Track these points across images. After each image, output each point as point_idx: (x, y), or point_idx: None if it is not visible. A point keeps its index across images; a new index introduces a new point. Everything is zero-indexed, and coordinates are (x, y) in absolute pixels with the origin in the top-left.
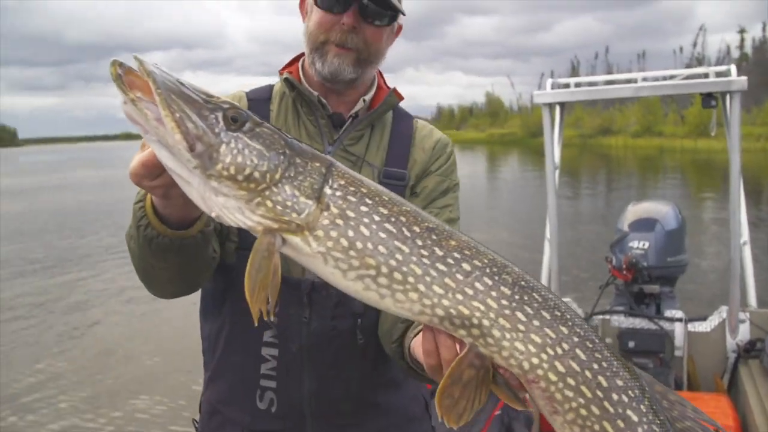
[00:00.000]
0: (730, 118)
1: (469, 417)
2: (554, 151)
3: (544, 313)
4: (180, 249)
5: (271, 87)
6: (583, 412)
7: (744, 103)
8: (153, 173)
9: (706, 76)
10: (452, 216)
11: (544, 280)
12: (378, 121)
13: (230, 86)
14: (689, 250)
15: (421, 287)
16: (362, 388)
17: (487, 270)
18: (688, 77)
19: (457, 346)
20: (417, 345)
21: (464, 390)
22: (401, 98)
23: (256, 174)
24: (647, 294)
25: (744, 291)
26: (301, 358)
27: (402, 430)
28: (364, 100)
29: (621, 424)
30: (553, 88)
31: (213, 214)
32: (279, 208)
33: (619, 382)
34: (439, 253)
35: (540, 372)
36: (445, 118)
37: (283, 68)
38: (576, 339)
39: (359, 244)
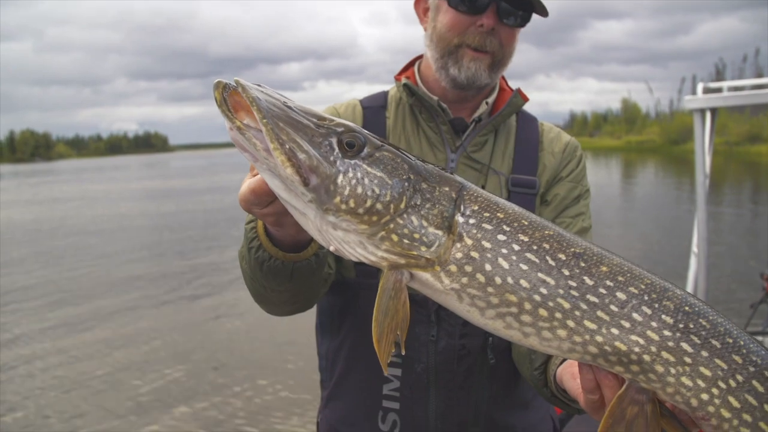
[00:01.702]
0: None
1: None
2: (705, 160)
3: (714, 342)
4: (294, 272)
5: (386, 93)
6: None
7: None
8: (264, 201)
9: None
10: (585, 225)
11: None
12: (502, 126)
13: (362, 94)
14: None
15: (571, 323)
16: (491, 409)
17: (645, 297)
18: None
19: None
20: (567, 375)
21: (629, 429)
22: (526, 99)
23: (379, 205)
24: None
25: None
26: (426, 379)
27: None
28: (486, 103)
29: None
30: (704, 92)
31: (332, 249)
32: (406, 241)
33: None
34: (589, 282)
35: (711, 409)
36: (578, 124)
37: (399, 74)
38: (752, 369)
39: (498, 279)
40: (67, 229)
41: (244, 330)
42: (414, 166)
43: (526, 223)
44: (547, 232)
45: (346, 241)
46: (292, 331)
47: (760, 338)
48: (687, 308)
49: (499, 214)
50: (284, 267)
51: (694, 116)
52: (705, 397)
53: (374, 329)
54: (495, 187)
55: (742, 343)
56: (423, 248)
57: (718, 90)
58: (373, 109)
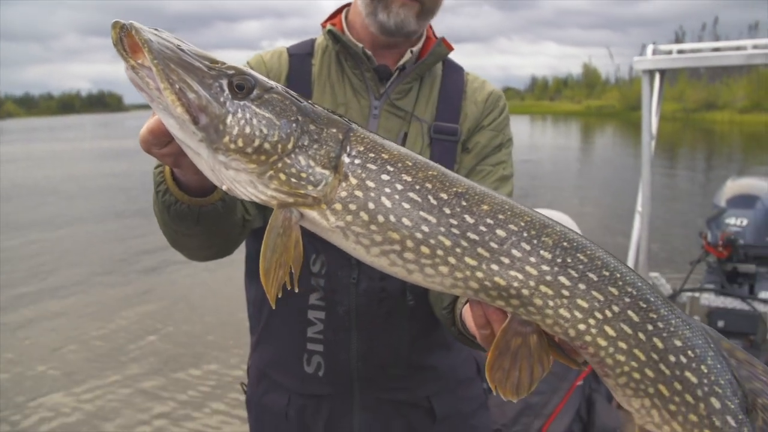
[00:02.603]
0: None
1: (531, 387)
2: (652, 121)
3: (591, 275)
4: (200, 217)
5: (313, 41)
6: (636, 375)
7: None
8: (161, 141)
9: None
10: (506, 173)
11: (632, 253)
12: (427, 74)
13: None
14: None
15: (452, 260)
16: (412, 351)
17: (524, 234)
18: None
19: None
20: (468, 314)
21: (515, 360)
22: (451, 48)
23: (267, 145)
24: (741, 273)
25: None
26: (348, 321)
27: (453, 393)
28: (411, 52)
29: (678, 386)
30: (654, 54)
31: (224, 188)
32: (293, 180)
33: (678, 343)
34: (470, 220)
35: (588, 338)
36: (538, 88)
37: (326, 20)
38: (628, 300)
39: (381, 218)
40: (15, 191)
41: (198, 283)
42: (302, 108)
43: (410, 163)
44: (430, 172)
45: (237, 180)
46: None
47: (696, 294)
48: (565, 244)
49: (383, 155)
50: (190, 211)
51: (643, 77)
52: (582, 327)
53: (261, 264)
54: (417, 134)
55: (618, 275)
56: (310, 187)
57: (669, 52)
58: (300, 56)
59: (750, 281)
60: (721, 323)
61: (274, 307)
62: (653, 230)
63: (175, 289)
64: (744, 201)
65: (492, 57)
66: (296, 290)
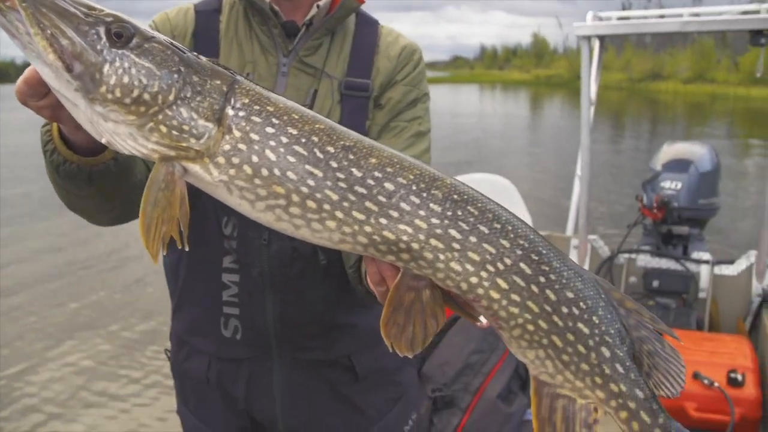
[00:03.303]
0: None
1: (425, 342)
2: (590, 87)
3: (482, 228)
4: (91, 177)
5: None
6: (530, 327)
7: None
8: (38, 92)
9: (757, 13)
10: (422, 129)
11: (572, 217)
12: (339, 29)
13: None
14: (724, 193)
15: (339, 214)
16: (328, 310)
17: (414, 187)
18: (739, 14)
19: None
20: None
21: (409, 315)
22: (361, 1)
23: (146, 96)
24: (675, 235)
25: None
26: (262, 283)
27: (374, 351)
28: (317, 6)
29: (571, 337)
30: (593, 21)
31: (103, 141)
32: (175, 133)
33: (570, 294)
34: (358, 174)
35: (481, 291)
36: (487, 58)
37: None
38: (520, 252)
39: (265, 171)
40: None
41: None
42: (185, 58)
43: (296, 117)
44: (317, 125)
45: (117, 132)
46: None
47: (633, 256)
48: (455, 197)
49: (269, 108)
50: (80, 171)
51: (582, 43)
52: (474, 280)
53: (141, 219)
54: (327, 91)
55: (510, 228)
56: (192, 140)
57: (607, 19)
58: (206, 13)
59: (684, 242)
60: (656, 283)
61: (156, 263)
62: (597, 195)
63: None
64: (678, 165)
65: (441, 26)
66: (186, 249)
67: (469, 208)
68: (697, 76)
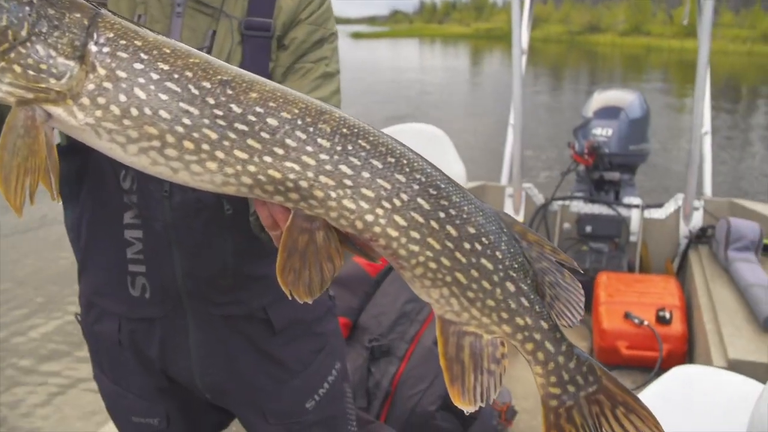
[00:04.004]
0: (702, 4)
1: (323, 286)
2: (521, 36)
3: (375, 162)
4: None
5: None
6: (432, 265)
7: (733, 6)
8: None
9: None
10: (329, 69)
11: (506, 165)
12: None
13: None
14: (654, 140)
15: (220, 154)
16: (238, 262)
17: (299, 122)
18: None
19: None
20: None
21: (305, 259)
22: None
23: None
24: (607, 181)
25: (701, 180)
26: (167, 237)
27: (292, 302)
28: None
29: (475, 273)
30: None
31: None
32: (31, 73)
33: (472, 230)
34: (237, 110)
35: (377, 229)
36: (427, 11)
37: None
38: (417, 186)
39: (135, 111)
40: None
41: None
42: None
43: (167, 51)
44: (191, 60)
45: None
46: None
47: (567, 202)
48: (345, 130)
49: (137, 42)
50: None
51: None
52: (370, 218)
53: None
54: (227, 32)
55: (405, 162)
56: (52, 80)
57: None
58: None
59: (615, 188)
60: (589, 228)
61: (20, 217)
62: (538, 145)
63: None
64: (609, 112)
65: None
66: (57, 201)
67: (360, 142)
68: (633, 29)
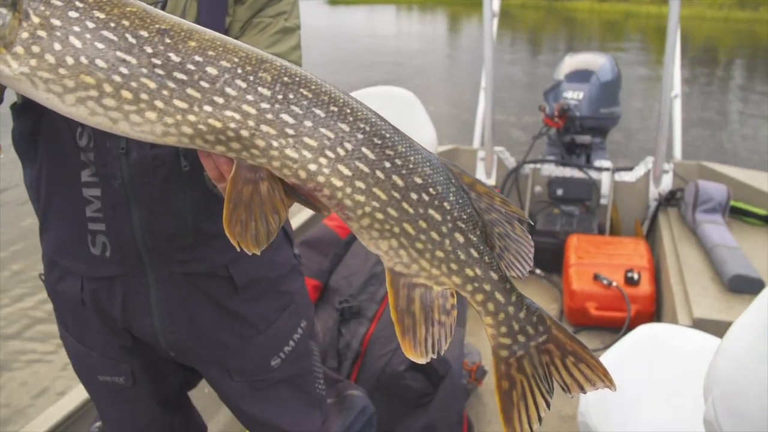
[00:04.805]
0: None
1: (269, 237)
2: None
3: (317, 111)
4: None
5: None
6: (379, 216)
7: None
8: None
9: None
10: (289, 24)
11: (478, 129)
12: None
13: None
14: (626, 104)
15: (159, 104)
16: (198, 219)
17: (239, 71)
18: None
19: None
20: None
21: (250, 210)
22: None
23: None
24: (578, 144)
25: (671, 143)
26: (125, 195)
27: (254, 260)
28: None
29: (423, 224)
30: None
31: None
32: None
33: (419, 180)
34: (176, 59)
35: (321, 179)
36: None
37: None
38: (361, 136)
39: (70, 60)
40: None
41: None
42: None
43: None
44: (128, 8)
45: None
46: None
47: (538, 166)
48: (286, 79)
49: None
50: None
51: None
52: (313, 167)
53: None
54: None
55: (349, 110)
56: None
57: None
58: None
59: (587, 151)
60: (560, 191)
61: None
62: (513, 110)
63: None
64: (580, 75)
65: None
66: (0, 156)
67: (302, 90)
68: None
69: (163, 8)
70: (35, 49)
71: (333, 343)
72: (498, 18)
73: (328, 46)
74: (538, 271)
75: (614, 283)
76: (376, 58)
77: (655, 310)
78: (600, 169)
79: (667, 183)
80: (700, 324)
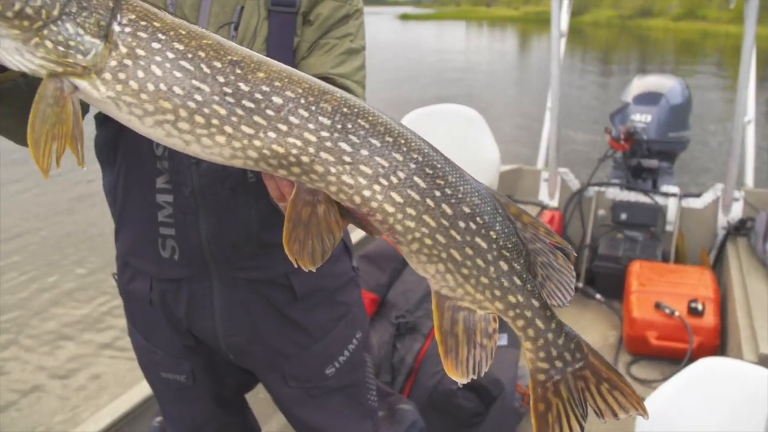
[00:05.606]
0: None
1: (324, 256)
2: (561, 18)
3: (373, 141)
4: (0, 94)
5: None
6: (428, 241)
7: None
8: None
9: None
10: (354, 45)
11: (542, 149)
12: None
13: None
14: (698, 127)
15: (228, 129)
16: (262, 229)
17: (302, 101)
18: None
19: None
20: None
21: (308, 230)
22: None
23: (29, 10)
24: (645, 168)
25: (742, 170)
26: (195, 202)
27: (312, 272)
28: None
29: (470, 251)
30: None
31: None
32: (61, 49)
33: (467, 209)
34: (245, 88)
35: (374, 204)
36: None
37: None
38: (413, 165)
39: (151, 86)
40: None
41: None
42: None
43: (183, 32)
44: (204, 41)
45: (4, 47)
46: None
47: (603, 189)
48: (346, 109)
49: (155, 24)
50: None
51: None
52: (367, 193)
53: (29, 134)
54: (254, 8)
55: (403, 141)
56: (79, 56)
57: None
58: None
59: (653, 176)
60: (624, 216)
61: (47, 178)
62: (575, 128)
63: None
64: (648, 98)
65: None
66: (83, 168)
67: (360, 121)
68: (687, 13)
69: (236, 29)
70: (121, 75)
71: (387, 357)
72: (566, 38)
73: (398, 61)
74: (598, 296)
75: (677, 313)
76: (444, 74)
77: (719, 344)
78: (666, 195)
79: (737, 211)
80: (767, 361)
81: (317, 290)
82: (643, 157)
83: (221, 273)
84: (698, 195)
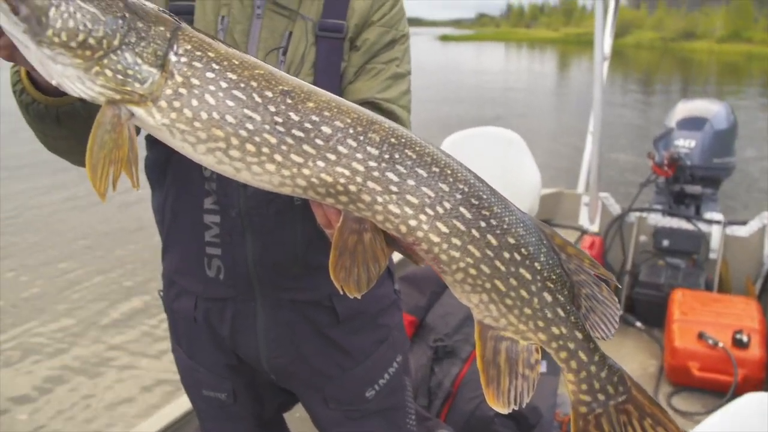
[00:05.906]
0: None
1: (369, 284)
2: (604, 41)
3: (420, 171)
4: (59, 117)
5: None
6: (473, 271)
7: None
8: None
9: None
10: (400, 70)
11: (583, 173)
12: None
13: None
14: (743, 152)
15: (278, 157)
16: (307, 251)
17: (350, 131)
18: None
19: None
20: None
21: (354, 258)
22: None
23: (91, 40)
24: (688, 194)
25: None
26: (241, 224)
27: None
28: None
29: (514, 282)
30: None
31: (54, 82)
32: (120, 77)
33: (512, 240)
34: (295, 118)
35: (420, 234)
36: (514, 16)
37: None
38: (459, 196)
39: (204, 115)
40: None
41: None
42: (130, 4)
43: (236, 62)
44: (257, 71)
45: (66, 75)
46: None
47: (644, 214)
48: (393, 140)
49: (210, 54)
50: (48, 111)
51: None
52: (413, 223)
53: (87, 159)
54: (302, 33)
55: (449, 171)
56: (137, 84)
57: None
58: None
59: (696, 202)
60: (666, 242)
61: (104, 202)
62: (616, 151)
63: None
64: (693, 123)
65: None
66: (137, 189)
67: (407, 151)
68: (731, 35)
69: (284, 54)
70: (176, 104)
71: (425, 380)
72: (609, 61)
73: (438, 82)
74: (638, 323)
75: (720, 344)
76: (483, 95)
77: (765, 378)
78: (710, 222)
79: None
80: None
81: (359, 313)
82: (687, 183)
83: (266, 294)
84: (744, 223)
